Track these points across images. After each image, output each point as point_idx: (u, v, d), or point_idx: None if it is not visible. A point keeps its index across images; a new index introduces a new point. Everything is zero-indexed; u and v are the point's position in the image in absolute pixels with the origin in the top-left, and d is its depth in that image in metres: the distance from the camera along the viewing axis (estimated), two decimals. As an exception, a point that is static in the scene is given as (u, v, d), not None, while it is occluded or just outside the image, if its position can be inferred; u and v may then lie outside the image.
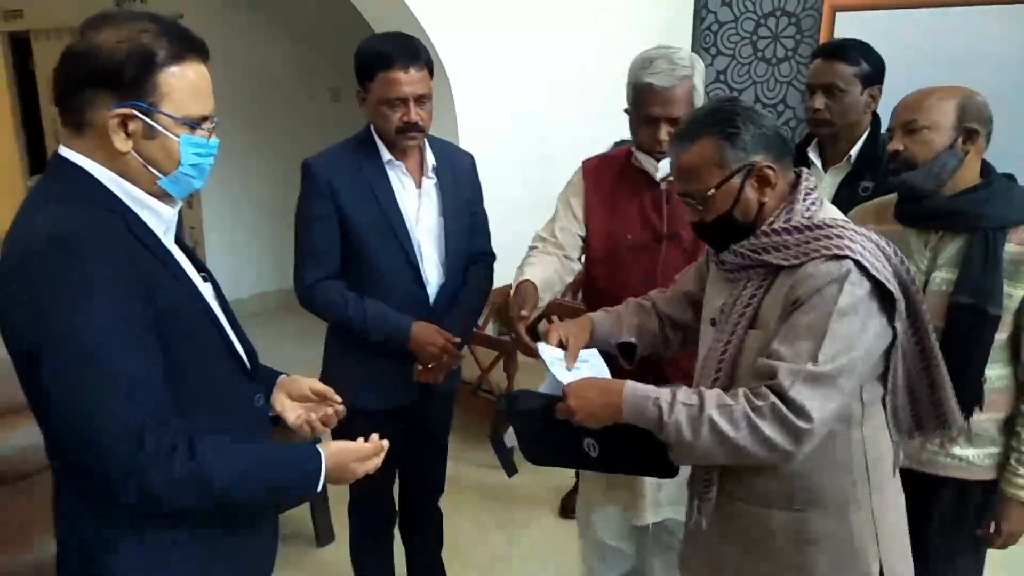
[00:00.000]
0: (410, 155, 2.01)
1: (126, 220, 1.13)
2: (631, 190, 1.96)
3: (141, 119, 1.10)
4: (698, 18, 4.70)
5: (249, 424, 1.32)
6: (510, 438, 1.57)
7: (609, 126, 2.02)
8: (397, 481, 2.30)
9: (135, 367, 1.07)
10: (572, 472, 2.83)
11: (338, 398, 1.48)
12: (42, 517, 1.31)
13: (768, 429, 1.23)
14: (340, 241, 1.98)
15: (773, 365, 1.25)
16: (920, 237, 1.68)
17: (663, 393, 1.31)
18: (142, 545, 1.18)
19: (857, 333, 1.25)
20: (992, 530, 1.69)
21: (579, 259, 2.04)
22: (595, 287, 2.04)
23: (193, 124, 1.15)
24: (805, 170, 1.42)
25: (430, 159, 2.04)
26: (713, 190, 1.33)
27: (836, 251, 1.25)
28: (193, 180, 1.19)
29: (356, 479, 1.33)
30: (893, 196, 1.75)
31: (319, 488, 1.26)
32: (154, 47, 1.10)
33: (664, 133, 1.83)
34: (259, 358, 1.48)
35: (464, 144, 3.44)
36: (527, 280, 1.85)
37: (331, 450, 1.29)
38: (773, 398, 1.23)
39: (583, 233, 2.01)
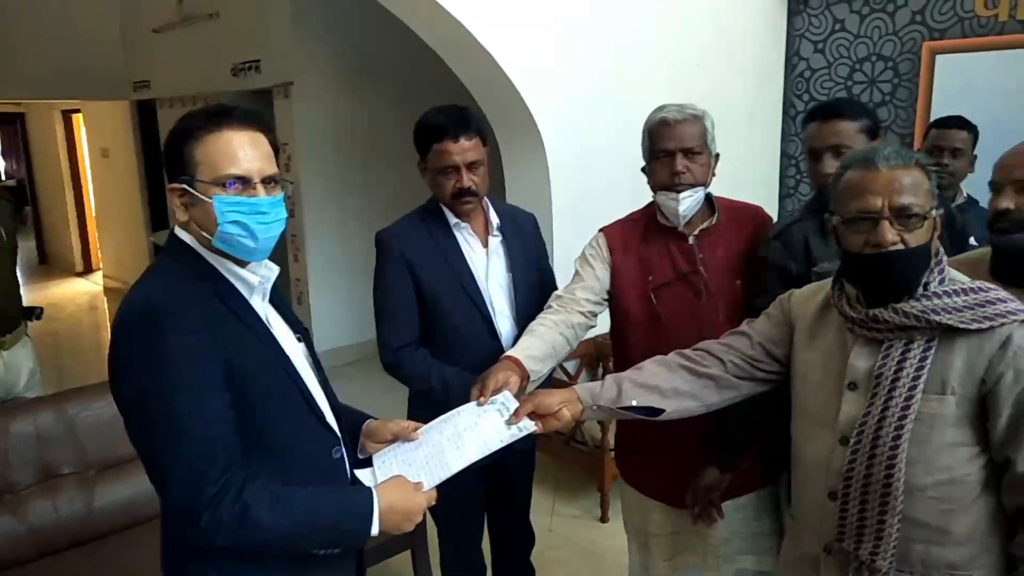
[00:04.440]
0: (474, 217, 2.12)
1: (216, 286, 1.27)
2: (660, 248, 1.93)
3: (187, 190, 1.25)
4: (789, 65, 4.69)
5: (325, 476, 1.38)
6: None
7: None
8: (487, 536, 2.34)
9: (203, 423, 1.18)
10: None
11: (408, 424, 1.52)
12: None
13: None
14: (417, 304, 2.07)
15: None
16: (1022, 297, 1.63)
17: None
18: None
19: None
20: None
21: (595, 316, 2.00)
22: (627, 354, 1.94)
23: (223, 183, 1.23)
24: None
25: (494, 219, 2.14)
26: (932, 211, 1.32)
27: (1022, 316, 1.28)
28: (242, 239, 1.25)
29: (416, 520, 1.33)
30: (980, 252, 1.68)
31: (374, 527, 1.27)
32: (190, 126, 1.25)
33: (680, 164, 1.83)
34: (357, 404, 1.57)
35: (558, 206, 3.50)
36: (509, 357, 1.77)
37: (385, 487, 1.31)
38: None
39: (604, 295, 1.99)
